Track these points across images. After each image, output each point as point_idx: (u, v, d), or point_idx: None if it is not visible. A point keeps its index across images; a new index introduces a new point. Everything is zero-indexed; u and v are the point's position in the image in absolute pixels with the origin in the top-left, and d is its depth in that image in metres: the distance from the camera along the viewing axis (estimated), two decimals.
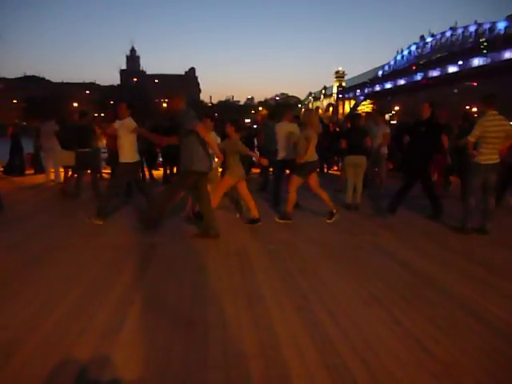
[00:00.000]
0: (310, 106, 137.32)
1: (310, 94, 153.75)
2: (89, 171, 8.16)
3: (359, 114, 9.42)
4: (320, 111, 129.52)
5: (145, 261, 4.41)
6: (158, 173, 11.28)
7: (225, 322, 3.05)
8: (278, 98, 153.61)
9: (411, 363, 2.54)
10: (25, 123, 40.87)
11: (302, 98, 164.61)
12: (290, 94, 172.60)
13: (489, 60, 65.17)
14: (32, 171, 12.29)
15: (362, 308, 3.31)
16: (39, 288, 3.65)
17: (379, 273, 4.12)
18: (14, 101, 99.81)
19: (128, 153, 6.03)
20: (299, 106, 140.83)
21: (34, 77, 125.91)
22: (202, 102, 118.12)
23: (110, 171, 9.12)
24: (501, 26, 67.13)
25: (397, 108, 79.34)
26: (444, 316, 3.17)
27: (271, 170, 8.70)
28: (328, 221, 6.15)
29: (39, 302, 3.33)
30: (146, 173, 10.64)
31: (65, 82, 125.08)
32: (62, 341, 2.75)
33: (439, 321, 3.09)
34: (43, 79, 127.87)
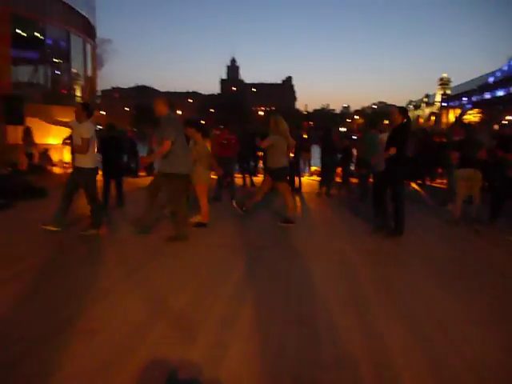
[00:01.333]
0: (410, 114, 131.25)
1: (411, 102, 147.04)
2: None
3: (470, 124, 8.90)
4: (421, 120, 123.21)
5: (253, 260, 4.67)
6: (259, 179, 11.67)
7: (333, 324, 3.14)
8: (375, 107, 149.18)
9: None
10: (135, 129, 44.61)
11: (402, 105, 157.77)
12: (389, 103, 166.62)
13: None
14: (144, 173, 13.43)
15: (473, 326, 3.19)
16: (163, 277, 4.07)
17: (490, 290, 3.92)
18: (127, 108, 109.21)
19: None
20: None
21: (144, 86, 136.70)
22: (298, 110, 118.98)
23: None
24: None
25: (510, 118, 72.41)
26: None
27: (371, 180, 8.60)
28: None
29: (164, 291, 3.72)
30: (247, 179, 11.05)
31: (171, 91, 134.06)
32: (188, 326, 3.05)
33: None
34: (152, 88, 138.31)
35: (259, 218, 7.03)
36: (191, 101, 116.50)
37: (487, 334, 3.06)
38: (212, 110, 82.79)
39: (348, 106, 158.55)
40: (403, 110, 6.06)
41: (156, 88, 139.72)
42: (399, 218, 5.88)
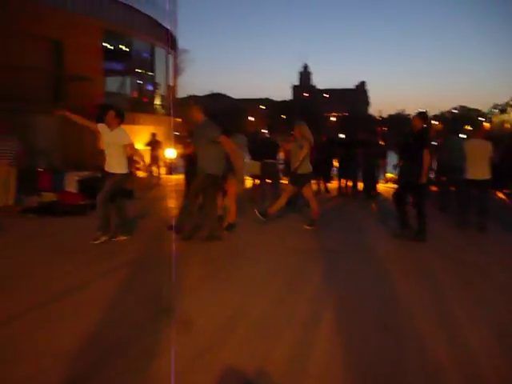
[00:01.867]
0: (494, 119, 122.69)
1: (496, 106, 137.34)
2: (269, 180, 9.00)
3: None
4: (507, 125, 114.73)
5: (330, 264, 4.73)
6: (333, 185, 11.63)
7: (417, 331, 3.12)
8: (455, 111, 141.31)
9: None
10: None
11: (485, 110, 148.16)
12: (471, 107, 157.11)
13: None
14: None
15: None
16: (242, 278, 4.26)
17: None
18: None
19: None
20: (480, 119, 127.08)
21: (219, 94, 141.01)
22: (371, 116, 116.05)
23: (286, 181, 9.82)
24: None
25: None
26: None
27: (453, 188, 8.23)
28: None
29: (244, 292, 3.90)
30: (322, 185, 11.07)
31: (243, 97, 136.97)
32: (269, 328, 3.19)
33: None
34: (226, 96, 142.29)
35: (336, 224, 7.04)
36: (263, 107, 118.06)
37: None
38: (283, 116, 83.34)
39: (425, 111, 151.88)
40: (423, 115, 6.15)
41: (229, 95, 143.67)
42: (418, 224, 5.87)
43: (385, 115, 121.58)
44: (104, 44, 15.80)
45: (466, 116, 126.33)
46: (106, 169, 5.56)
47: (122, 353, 2.74)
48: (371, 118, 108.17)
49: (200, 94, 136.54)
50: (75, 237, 5.78)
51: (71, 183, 8.98)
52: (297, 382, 2.49)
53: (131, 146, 5.51)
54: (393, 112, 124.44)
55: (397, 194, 6.22)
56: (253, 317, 3.33)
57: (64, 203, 7.75)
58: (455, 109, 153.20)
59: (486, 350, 2.88)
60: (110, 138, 5.46)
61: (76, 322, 3.16)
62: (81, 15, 14.46)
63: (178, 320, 3.19)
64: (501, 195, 10.84)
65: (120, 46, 17.40)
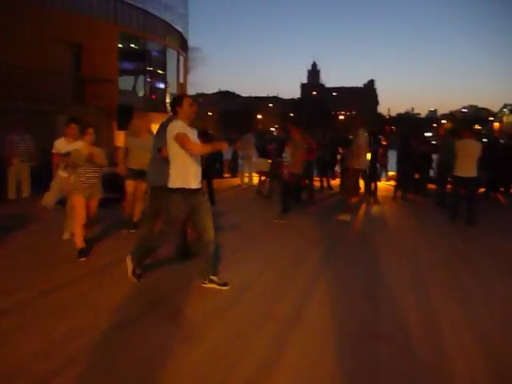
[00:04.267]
0: (505, 119, 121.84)
1: (506, 105, 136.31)
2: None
3: None
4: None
5: (329, 249, 5.38)
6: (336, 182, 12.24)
7: (393, 300, 3.77)
8: (465, 110, 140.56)
9: None
10: (219, 132, 46.82)
11: (495, 110, 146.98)
12: (480, 106, 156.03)
13: None
14: (229, 175, 14.57)
15: None
16: (250, 261, 4.94)
17: None
18: (210, 113, 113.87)
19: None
20: (490, 119, 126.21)
21: (227, 92, 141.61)
22: (380, 114, 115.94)
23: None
24: None
25: None
26: None
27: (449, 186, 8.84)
28: None
29: (252, 267, 4.58)
30: (325, 182, 11.69)
31: (252, 96, 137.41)
32: (265, 301, 3.86)
33: None
34: (234, 94, 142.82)
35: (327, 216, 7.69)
36: (271, 105, 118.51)
37: None
38: (292, 115, 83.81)
39: (435, 110, 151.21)
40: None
41: (238, 93, 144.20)
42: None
43: (393, 114, 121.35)
44: (120, 46, 16.58)
45: (475, 116, 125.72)
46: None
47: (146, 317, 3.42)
48: (380, 116, 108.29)
49: (208, 92, 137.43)
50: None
51: None
52: (290, 330, 3.14)
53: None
54: (402, 111, 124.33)
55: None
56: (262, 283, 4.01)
57: None
58: (465, 108, 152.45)
59: (447, 313, 3.54)
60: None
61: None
62: (100, 20, 15.26)
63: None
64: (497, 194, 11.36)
65: (135, 47, 18.18)
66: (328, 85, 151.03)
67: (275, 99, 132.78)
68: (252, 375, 2.59)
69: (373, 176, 10.86)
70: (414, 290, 4.13)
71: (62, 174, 5.57)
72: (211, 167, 8.79)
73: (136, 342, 2.96)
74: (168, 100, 20.91)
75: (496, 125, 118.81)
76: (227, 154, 15.50)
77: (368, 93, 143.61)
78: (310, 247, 5.52)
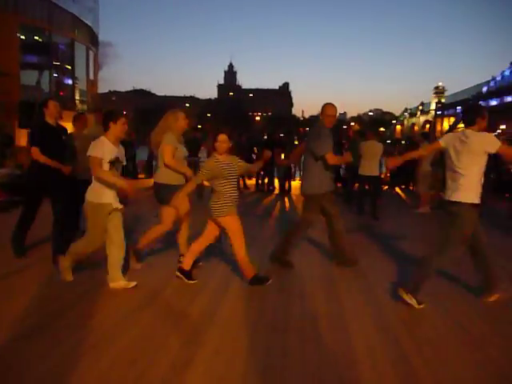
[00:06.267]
0: (406, 122, 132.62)
1: (406, 109, 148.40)
2: None
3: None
4: (416, 128, 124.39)
5: None
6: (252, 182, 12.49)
7: (304, 291, 3.95)
8: (371, 114, 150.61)
9: None
10: (134, 132, 45.24)
11: (398, 113, 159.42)
12: (385, 110, 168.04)
13: None
14: (143, 176, 14.18)
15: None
16: (163, 263, 4.88)
17: None
18: (123, 112, 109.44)
19: None
20: (393, 122, 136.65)
21: (141, 90, 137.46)
22: (294, 116, 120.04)
23: None
24: None
25: (503, 127, 73.68)
26: None
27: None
28: None
29: (166, 269, 4.53)
30: (241, 182, 11.89)
31: (167, 95, 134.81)
32: (179, 302, 3.86)
33: None
34: (149, 92, 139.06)
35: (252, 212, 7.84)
36: (188, 105, 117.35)
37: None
38: (209, 115, 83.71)
39: (345, 113, 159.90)
40: None
41: (153, 92, 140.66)
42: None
43: (307, 115, 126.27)
44: (22, 37, 15.39)
45: (380, 118, 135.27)
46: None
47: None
48: (294, 118, 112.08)
49: (122, 89, 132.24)
50: None
51: None
52: (204, 329, 3.18)
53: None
54: (315, 113, 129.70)
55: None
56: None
57: None
58: (372, 111, 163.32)
59: (353, 302, 3.79)
60: None
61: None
62: None
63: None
64: (398, 191, 12.39)
65: (39, 40, 16.98)
66: (244, 86, 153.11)
67: (192, 99, 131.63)
68: (164, 377, 2.57)
69: (287, 175, 11.26)
70: (322, 282, 4.37)
71: None
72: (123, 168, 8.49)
73: (43, 350, 2.80)
74: (78, 97, 19.85)
75: (398, 127, 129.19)
76: (142, 154, 15.10)
77: (283, 95, 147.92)
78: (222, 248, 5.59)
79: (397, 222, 7.92)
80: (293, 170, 12.67)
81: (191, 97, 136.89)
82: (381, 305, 3.82)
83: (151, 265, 4.72)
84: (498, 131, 64.95)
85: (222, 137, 3.97)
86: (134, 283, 3.98)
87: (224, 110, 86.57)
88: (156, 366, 2.68)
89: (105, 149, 3.76)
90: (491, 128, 59.52)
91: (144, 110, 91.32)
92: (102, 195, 3.79)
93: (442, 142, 3.65)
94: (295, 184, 12.68)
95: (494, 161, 7.92)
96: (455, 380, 2.65)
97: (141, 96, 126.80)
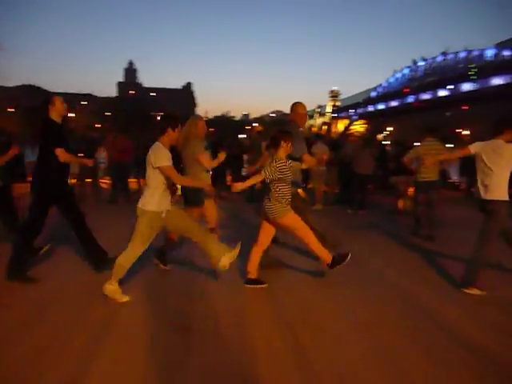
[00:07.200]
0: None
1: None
2: (89, 180, 9.28)
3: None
4: (314, 129, 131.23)
5: None
6: None
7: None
8: (273, 115, 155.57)
9: None
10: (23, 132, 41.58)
11: None
12: (286, 111, 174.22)
13: (478, 86, 67.16)
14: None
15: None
16: (52, 272, 4.55)
17: None
18: (12, 109, 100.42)
19: None
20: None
21: (31, 86, 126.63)
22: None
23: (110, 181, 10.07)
24: (489, 53, 69.39)
25: (390, 128, 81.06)
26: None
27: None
28: None
29: (57, 277, 4.22)
30: (142, 182, 11.53)
31: (61, 91, 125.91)
32: (74, 310, 3.64)
33: None
34: (40, 89, 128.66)
35: None
36: (85, 103, 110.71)
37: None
38: (109, 114, 79.85)
39: (248, 114, 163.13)
40: None
41: (45, 88, 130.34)
42: None
43: (211, 116, 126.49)
44: None
45: (281, 120, 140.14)
46: None
47: None
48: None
49: (10, 84, 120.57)
50: None
51: None
52: (100, 338, 3.03)
53: None
54: (219, 113, 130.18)
55: None
56: None
57: None
58: (273, 113, 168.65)
59: (255, 301, 3.88)
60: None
61: None
62: None
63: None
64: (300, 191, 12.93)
65: None
66: (146, 85, 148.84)
67: (89, 97, 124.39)
68: None
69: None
70: (223, 282, 4.39)
71: None
72: (10, 171, 7.77)
73: None
74: None
75: None
76: (29, 156, 13.94)
77: (186, 95, 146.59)
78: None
79: None
80: None
81: (89, 94, 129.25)
82: (280, 301, 3.96)
83: (40, 277, 4.37)
84: (386, 132, 71.73)
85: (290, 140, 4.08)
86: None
87: (125, 108, 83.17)
88: (45, 382, 2.50)
89: None
90: (378, 130, 65.15)
91: (33, 108, 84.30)
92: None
93: (472, 149, 4.22)
94: None
95: None
96: (346, 360, 2.85)
97: (31, 92, 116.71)
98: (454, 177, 14.12)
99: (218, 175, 11.19)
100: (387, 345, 3.08)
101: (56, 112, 4.16)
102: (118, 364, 2.74)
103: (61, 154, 4.07)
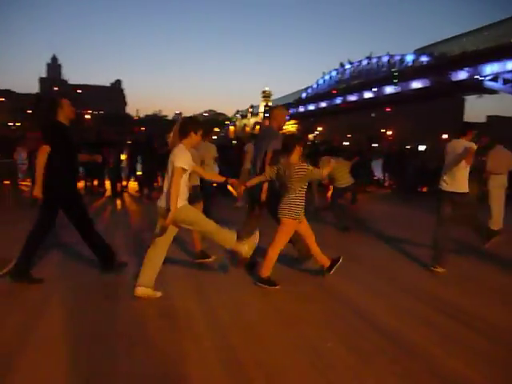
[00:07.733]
0: (238, 123, 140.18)
1: (238, 111, 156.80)
2: (8, 182, 8.67)
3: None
4: (247, 129, 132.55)
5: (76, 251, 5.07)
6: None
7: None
8: (206, 115, 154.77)
9: None
10: None
11: (230, 115, 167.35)
12: (219, 111, 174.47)
13: (399, 89, 71.32)
14: None
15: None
16: None
17: None
18: None
19: None
20: (227, 123, 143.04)
21: None
22: (128, 115, 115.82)
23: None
24: (409, 58, 73.80)
25: (320, 128, 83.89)
26: None
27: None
28: None
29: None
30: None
31: None
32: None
33: None
34: None
35: None
36: (4, 100, 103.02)
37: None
38: (30, 111, 74.90)
39: (180, 113, 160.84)
40: None
41: None
42: None
43: (142, 115, 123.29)
44: None
45: (215, 119, 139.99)
46: None
47: None
48: (128, 117, 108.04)
49: None
50: None
51: None
52: (19, 347, 2.85)
53: None
54: (150, 112, 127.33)
55: None
56: None
57: None
58: (206, 112, 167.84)
59: (183, 301, 3.85)
60: None
61: None
62: None
63: None
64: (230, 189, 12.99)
65: None
66: (71, 81, 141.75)
67: (8, 93, 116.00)
68: None
69: (118, 176, 10.87)
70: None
71: None
72: None
73: None
74: None
75: (231, 128, 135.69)
76: None
77: (116, 92, 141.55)
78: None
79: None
80: (125, 171, 12.16)
81: (7, 90, 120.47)
82: (209, 300, 3.96)
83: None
84: (316, 132, 74.11)
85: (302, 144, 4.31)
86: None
87: (48, 106, 78.39)
88: None
89: None
90: (309, 130, 67.24)
91: None
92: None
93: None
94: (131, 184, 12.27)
95: None
96: (272, 359, 2.91)
97: None
98: (378, 173, 14.92)
99: (148, 175, 11.00)
100: (313, 341, 3.20)
101: (64, 115, 4.24)
102: (38, 371, 2.58)
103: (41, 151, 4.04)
